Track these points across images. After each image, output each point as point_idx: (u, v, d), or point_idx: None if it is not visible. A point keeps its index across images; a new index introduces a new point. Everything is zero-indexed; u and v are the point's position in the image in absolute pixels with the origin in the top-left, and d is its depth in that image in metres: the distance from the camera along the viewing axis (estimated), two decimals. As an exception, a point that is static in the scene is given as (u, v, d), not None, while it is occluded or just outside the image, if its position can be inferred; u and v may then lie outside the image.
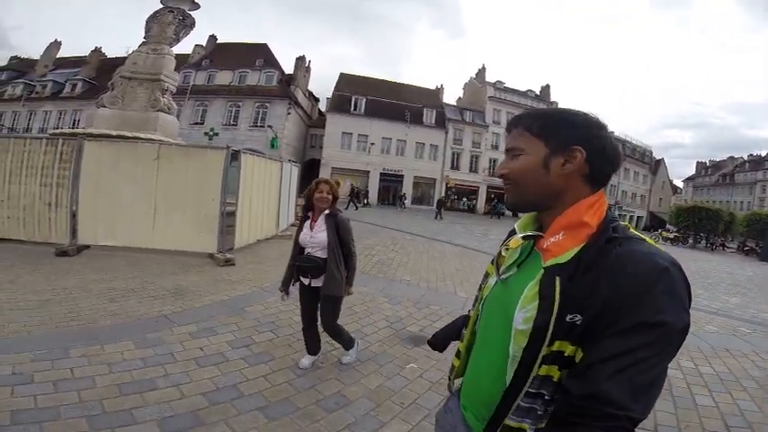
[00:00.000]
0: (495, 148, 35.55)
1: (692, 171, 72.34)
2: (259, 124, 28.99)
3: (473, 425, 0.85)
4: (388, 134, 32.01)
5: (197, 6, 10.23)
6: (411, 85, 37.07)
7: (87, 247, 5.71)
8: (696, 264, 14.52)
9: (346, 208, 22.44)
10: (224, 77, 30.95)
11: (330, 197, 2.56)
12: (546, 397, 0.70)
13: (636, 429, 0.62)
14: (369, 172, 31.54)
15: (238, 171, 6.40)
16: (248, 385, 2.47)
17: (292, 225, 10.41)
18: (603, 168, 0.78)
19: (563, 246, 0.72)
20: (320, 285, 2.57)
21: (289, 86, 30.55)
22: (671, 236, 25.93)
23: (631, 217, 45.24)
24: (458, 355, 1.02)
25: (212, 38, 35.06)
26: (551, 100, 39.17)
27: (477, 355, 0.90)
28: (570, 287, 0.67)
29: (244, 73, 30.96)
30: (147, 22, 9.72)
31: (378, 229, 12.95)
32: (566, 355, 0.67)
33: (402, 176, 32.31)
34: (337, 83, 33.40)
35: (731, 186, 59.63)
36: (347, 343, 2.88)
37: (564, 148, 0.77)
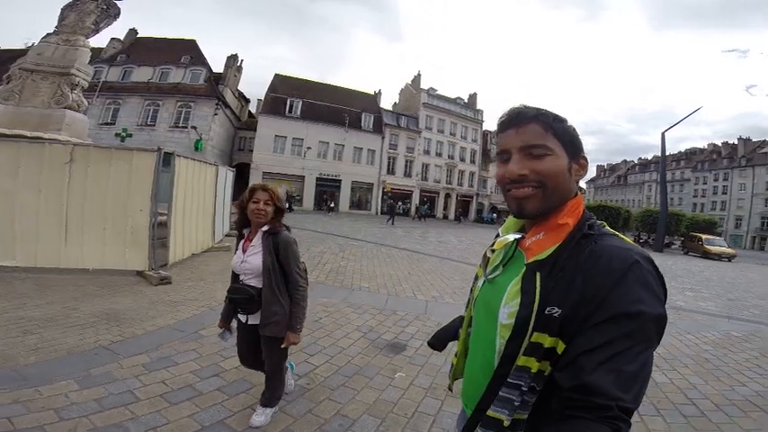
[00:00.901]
0: (428, 153, 37.31)
1: (593, 174, 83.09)
2: (181, 125, 26.38)
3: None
4: (326, 138, 31.49)
5: (124, -5, 8.94)
6: (349, 89, 36.91)
7: (-28, 270, 4.57)
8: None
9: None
10: (142, 74, 27.71)
11: (269, 208, 1.96)
12: (523, 388, 0.71)
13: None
14: (304, 177, 30.69)
15: (171, 177, 5.71)
16: (237, 419, 2.16)
17: (227, 235, 9.64)
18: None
19: (543, 245, 0.75)
20: (256, 323, 2.02)
21: (217, 85, 28.31)
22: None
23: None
24: (456, 354, 1.06)
25: (132, 31, 31.24)
26: (477, 108, 42.29)
27: (471, 354, 0.93)
28: (549, 282, 0.70)
29: (166, 70, 28.03)
30: (62, 10, 8.22)
31: (322, 236, 12.61)
32: (545, 346, 0.69)
33: (340, 181, 32.01)
34: (271, 84, 31.87)
35: (624, 186, 70.73)
36: (274, 399, 2.20)
37: (578, 154, 0.80)
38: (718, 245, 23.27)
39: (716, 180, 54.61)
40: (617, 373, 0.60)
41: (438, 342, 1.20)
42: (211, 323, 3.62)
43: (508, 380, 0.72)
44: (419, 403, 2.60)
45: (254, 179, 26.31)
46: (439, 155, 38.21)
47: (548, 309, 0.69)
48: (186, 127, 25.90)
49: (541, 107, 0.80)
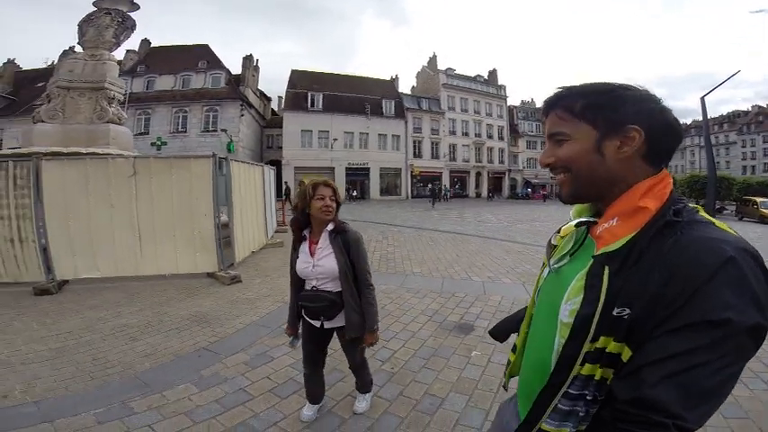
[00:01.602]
0: (453, 133, 36.57)
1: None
2: (211, 129, 27.32)
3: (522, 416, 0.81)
4: (350, 128, 31.66)
5: (136, 7, 9.24)
6: (366, 77, 36.79)
7: (67, 281, 5.06)
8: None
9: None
10: (165, 82, 28.74)
11: (334, 205, 1.83)
12: (588, 398, 0.64)
13: None
14: (334, 168, 31.07)
15: (227, 180, 5.97)
16: (342, 407, 2.28)
17: (276, 231, 10.01)
18: (665, 145, 0.70)
19: (616, 233, 0.66)
20: (337, 326, 1.93)
21: (238, 87, 29.02)
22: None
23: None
24: (514, 349, 0.99)
25: (145, 42, 32.22)
26: (499, 83, 40.70)
27: (528, 350, 0.87)
28: (619, 278, 0.61)
29: (187, 76, 28.95)
30: (79, 25, 8.66)
31: (361, 224, 12.79)
32: (608, 351, 0.61)
33: (368, 169, 32.20)
34: (290, 80, 32.27)
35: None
36: (368, 384, 2.27)
37: (618, 128, 0.68)
38: (774, 207, 21.31)
39: (765, 142, 51.54)
40: (685, 388, 0.53)
41: (499, 332, 1.12)
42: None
43: (570, 391, 0.65)
44: (501, 379, 2.63)
45: (287, 175, 27.01)
46: (465, 134, 37.39)
47: (617, 310, 0.60)
48: (216, 130, 26.71)
49: (574, 85, 0.74)
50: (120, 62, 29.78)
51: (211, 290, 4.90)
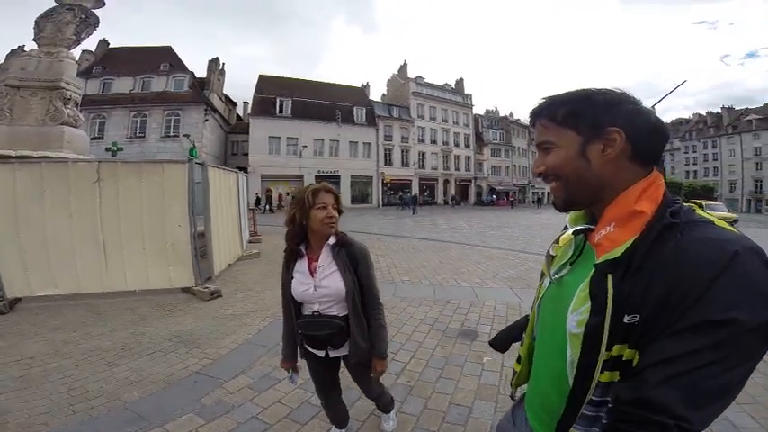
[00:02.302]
0: (422, 141, 37.27)
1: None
2: (172, 134, 25.90)
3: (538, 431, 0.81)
4: (320, 135, 31.27)
5: (101, 3, 8.58)
6: (337, 84, 36.67)
7: (19, 299, 4.45)
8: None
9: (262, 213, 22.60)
10: (123, 85, 27.00)
11: (337, 214, 1.54)
12: (610, 405, 0.64)
13: None
14: (303, 176, 30.43)
15: (204, 187, 5.59)
16: (367, 428, 2.13)
17: (250, 242, 9.56)
18: (649, 145, 0.70)
19: (615, 239, 0.65)
20: (343, 354, 1.65)
21: (202, 91, 27.84)
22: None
23: (543, 193, 51.18)
24: (519, 359, 0.98)
25: (103, 42, 30.22)
26: (465, 92, 42.13)
27: (537, 361, 0.86)
28: (625, 285, 0.61)
29: (148, 79, 27.36)
30: (37, 21, 7.87)
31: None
32: (624, 359, 0.61)
33: (339, 177, 31.85)
34: (257, 85, 31.44)
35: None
36: (389, 403, 2.06)
37: (599, 132, 0.69)
38: (719, 210, 23.53)
39: (705, 148, 56.42)
40: (689, 389, 0.53)
41: (499, 343, 1.11)
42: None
43: (593, 397, 0.65)
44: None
45: (253, 183, 26.03)
46: (434, 142, 38.21)
47: (627, 317, 0.59)
48: (177, 136, 25.32)
49: (555, 94, 0.75)
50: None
51: (190, 306, 4.51)
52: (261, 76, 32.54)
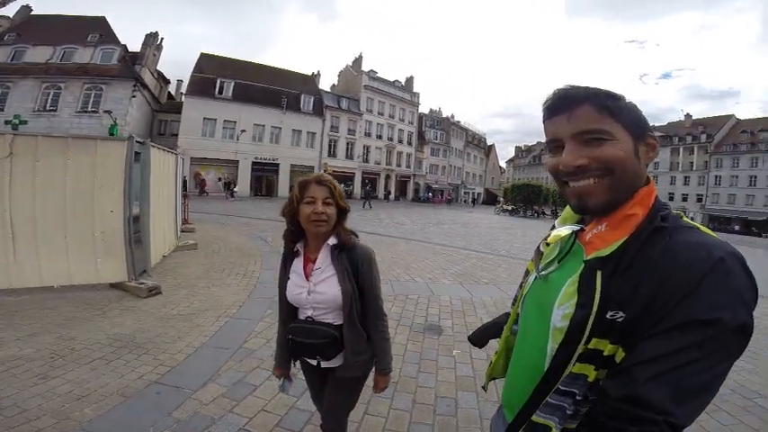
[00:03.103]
0: (368, 135, 37.22)
1: (512, 154, 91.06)
2: (90, 109, 22.57)
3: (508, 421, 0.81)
4: (261, 121, 29.35)
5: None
6: (286, 70, 34.47)
7: None
8: (539, 231, 18.72)
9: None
10: (39, 54, 23.11)
11: (331, 210, 1.35)
12: (577, 397, 0.66)
13: None
14: (238, 162, 28.48)
15: (142, 169, 4.94)
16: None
17: (183, 231, 8.70)
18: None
19: (606, 238, 0.67)
20: (335, 366, 1.45)
21: (134, 65, 24.62)
22: (509, 208, 32.51)
23: (473, 193, 54.62)
24: (497, 352, 1.01)
25: (25, 8, 25.89)
26: (414, 91, 42.97)
27: (516, 355, 0.87)
28: (612, 282, 0.62)
29: (71, 49, 23.69)
30: None
31: (277, 225, 12.05)
32: (604, 354, 0.62)
33: (278, 165, 30.35)
34: (197, 64, 28.53)
35: (539, 165, 78.47)
36: None
37: (642, 134, 0.69)
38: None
39: None
40: (676, 386, 0.55)
41: (478, 339, 1.14)
42: (246, 334, 3.34)
43: (559, 386, 0.67)
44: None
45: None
46: (379, 137, 38.34)
47: (610, 313, 0.61)
48: (96, 111, 22.14)
49: (591, 86, 0.70)
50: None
51: (125, 305, 3.96)
52: (202, 54, 29.54)
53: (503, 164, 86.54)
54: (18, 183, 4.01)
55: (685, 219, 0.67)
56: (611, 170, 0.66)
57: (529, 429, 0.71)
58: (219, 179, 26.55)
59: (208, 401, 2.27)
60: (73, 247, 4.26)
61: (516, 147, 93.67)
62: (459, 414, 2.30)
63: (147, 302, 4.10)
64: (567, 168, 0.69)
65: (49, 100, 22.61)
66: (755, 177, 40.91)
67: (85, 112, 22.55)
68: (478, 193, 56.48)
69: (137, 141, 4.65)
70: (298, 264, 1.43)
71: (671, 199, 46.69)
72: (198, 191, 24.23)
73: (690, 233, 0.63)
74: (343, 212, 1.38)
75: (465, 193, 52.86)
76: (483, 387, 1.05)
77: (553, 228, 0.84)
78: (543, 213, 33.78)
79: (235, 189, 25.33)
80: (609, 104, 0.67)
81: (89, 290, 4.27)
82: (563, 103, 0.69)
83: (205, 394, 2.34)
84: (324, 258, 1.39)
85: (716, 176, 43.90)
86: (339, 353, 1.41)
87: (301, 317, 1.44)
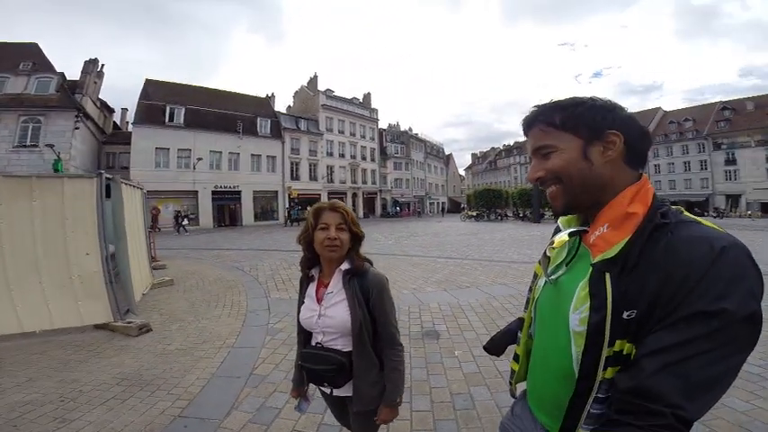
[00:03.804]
0: (331, 154, 37.36)
1: (468, 161, 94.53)
2: (29, 144, 20.58)
3: (550, 426, 0.81)
4: (218, 147, 28.47)
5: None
6: (239, 94, 33.93)
7: None
8: (505, 232, 19.65)
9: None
10: None
11: (345, 236, 1.38)
12: (610, 395, 0.66)
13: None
14: (197, 192, 27.34)
15: (114, 207, 4.82)
16: None
17: (155, 268, 8.33)
18: (640, 148, 0.74)
19: (609, 240, 0.68)
20: (347, 395, 1.43)
21: (74, 95, 23.00)
22: (474, 213, 33.78)
23: (437, 203, 56.10)
24: (516, 358, 1.00)
25: None
26: (372, 107, 43.96)
27: (538, 359, 0.87)
28: (621, 282, 0.64)
29: (1, 78, 21.59)
30: None
31: (255, 252, 11.83)
32: (624, 353, 0.63)
33: (240, 192, 29.49)
34: (144, 90, 27.21)
35: (496, 170, 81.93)
36: None
37: (599, 134, 0.72)
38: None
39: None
40: (684, 378, 0.55)
41: (494, 347, 1.12)
42: (252, 361, 3.38)
43: (597, 395, 0.67)
44: (496, 367, 3.09)
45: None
46: (342, 156, 38.62)
47: (626, 313, 0.62)
48: (36, 145, 20.27)
49: (548, 101, 0.79)
50: None
51: (118, 344, 3.83)
52: (148, 80, 28.25)
53: (462, 172, 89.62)
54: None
55: (686, 213, 0.69)
56: (559, 178, 0.75)
57: None
58: (178, 212, 24.79)
59: (238, 429, 2.31)
60: (51, 292, 4.07)
61: (472, 154, 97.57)
62: (478, 406, 2.52)
63: (139, 340, 3.98)
64: (531, 180, 0.81)
65: (-20, 135, 20.49)
66: (689, 162, 44.30)
67: (24, 146, 20.63)
68: (443, 203, 58.07)
69: (106, 178, 4.55)
70: (311, 288, 1.46)
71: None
72: (150, 225, 22.58)
73: (691, 227, 0.64)
74: (356, 238, 1.41)
75: (430, 203, 54.13)
76: (511, 394, 1.03)
77: (557, 229, 0.89)
78: (506, 215, 35.38)
79: (184, 222, 23.31)
80: (554, 119, 0.75)
81: (75, 332, 4.09)
82: (525, 126, 0.81)
83: (233, 422, 2.38)
84: (336, 283, 1.41)
85: (655, 165, 47.11)
86: (348, 380, 1.39)
87: (312, 342, 1.45)
